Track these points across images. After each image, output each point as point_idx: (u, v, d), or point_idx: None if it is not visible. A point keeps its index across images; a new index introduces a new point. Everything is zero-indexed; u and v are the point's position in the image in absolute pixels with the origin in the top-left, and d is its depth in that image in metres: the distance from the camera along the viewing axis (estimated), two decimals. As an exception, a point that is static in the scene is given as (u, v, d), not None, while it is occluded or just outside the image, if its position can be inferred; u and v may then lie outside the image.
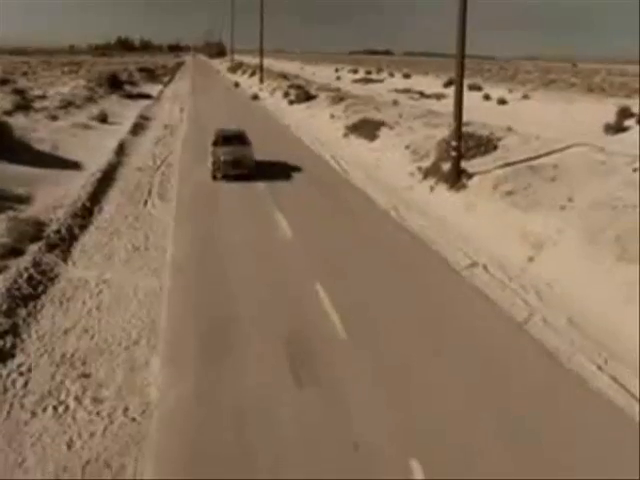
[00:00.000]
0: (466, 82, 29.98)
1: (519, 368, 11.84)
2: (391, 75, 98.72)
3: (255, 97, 66.74)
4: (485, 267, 17.00)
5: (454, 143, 23.98)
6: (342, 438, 9.59)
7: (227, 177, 26.70)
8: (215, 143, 27.91)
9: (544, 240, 17.78)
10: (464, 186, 23.45)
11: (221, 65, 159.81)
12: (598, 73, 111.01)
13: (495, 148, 26.80)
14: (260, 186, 25.99)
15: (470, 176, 23.89)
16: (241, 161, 26.95)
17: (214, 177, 26.93)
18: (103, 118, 42.37)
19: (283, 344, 12.48)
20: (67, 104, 46.29)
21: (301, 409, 10.34)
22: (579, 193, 19.55)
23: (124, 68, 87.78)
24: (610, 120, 41.75)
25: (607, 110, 44.42)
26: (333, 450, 9.31)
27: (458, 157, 24.04)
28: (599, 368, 11.83)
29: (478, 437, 9.64)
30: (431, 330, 13.38)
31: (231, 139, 28.22)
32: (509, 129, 31.39)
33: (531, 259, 17.26)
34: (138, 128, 41.93)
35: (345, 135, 37.42)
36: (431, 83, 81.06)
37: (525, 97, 62.16)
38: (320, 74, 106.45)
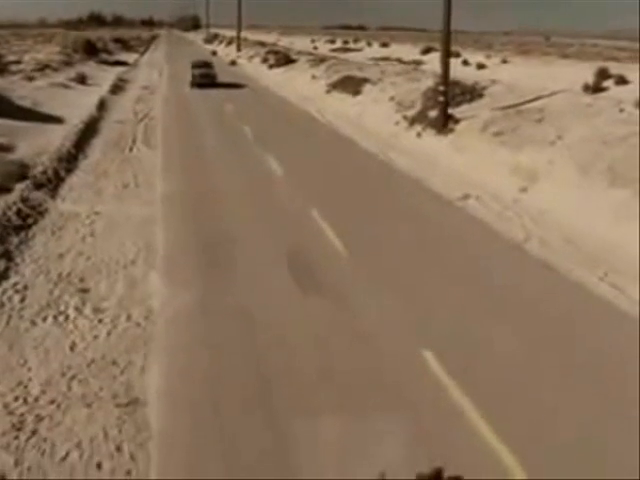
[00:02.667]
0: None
1: (519, 278, 11.89)
2: (369, 44, 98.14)
3: (233, 63, 66.09)
4: (478, 198, 16.97)
5: (442, 88, 23.88)
6: (352, 334, 9.57)
7: (199, 85, 41.95)
8: (193, 67, 44.53)
9: (536, 172, 17.79)
10: (452, 130, 23.39)
11: (196, 37, 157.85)
12: (571, 46, 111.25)
13: (481, 96, 26.79)
14: (248, 135, 25.86)
15: (457, 121, 23.82)
16: (208, 75, 43.77)
17: (192, 86, 42.24)
18: (81, 79, 41.65)
19: (285, 260, 12.44)
20: (44, 67, 45.40)
21: (307, 312, 10.28)
22: (568, 131, 19.56)
23: (98, 37, 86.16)
24: (588, 81, 41.87)
25: (585, 73, 44.55)
26: (344, 344, 9.28)
27: (445, 102, 23.94)
28: (600, 279, 11.87)
29: (484, 333, 9.64)
30: (429, 248, 13.39)
31: (202, 65, 45.70)
32: (493, 81, 31.40)
33: (524, 190, 17.28)
34: (117, 89, 41.33)
35: (328, 92, 37.15)
36: (409, 51, 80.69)
37: (504, 62, 62.24)
38: (297, 44, 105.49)
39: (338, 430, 7.30)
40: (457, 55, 66.57)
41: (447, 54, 23.83)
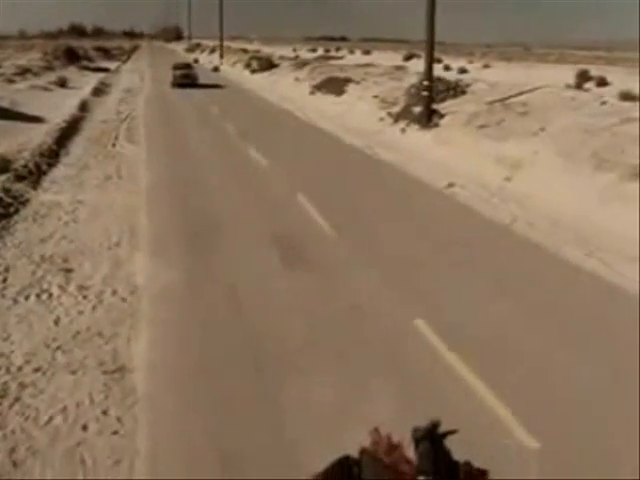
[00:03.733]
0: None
1: (509, 256, 11.86)
2: (351, 52, 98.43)
3: (216, 69, 66.06)
4: (464, 186, 16.94)
5: (426, 82, 23.91)
6: (342, 304, 9.49)
7: (180, 85, 44.12)
8: (174, 68, 47.31)
9: (520, 161, 17.83)
10: (436, 125, 23.42)
11: (178, 47, 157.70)
12: (552, 54, 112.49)
13: (464, 93, 26.86)
14: (233, 135, 25.76)
15: (442, 116, 23.87)
16: (188, 75, 46.21)
17: (172, 85, 44.57)
18: (62, 83, 41.49)
19: (272, 241, 12.33)
20: (24, 71, 45.21)
21: (295, 287, 10.17)
22: (551, 123, 19.66)
23: (79, 46, 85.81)
24: (570, 82, 42.13)
25: (566, 74, 44.84)
26: (333, 312, 9.20)
27: (430, 97, 23.96)
28: (587, 255, 11.85)
29: (475, 301, 9.57)
30: (416, 231, 13.34)
31: (183, 67, 48.96)
32: (476, 79, 31.54)
33: (509, 178, 17.29)
34: (99, 92, 41.14)
35: (312, 93, 37.19)
36: (391, 58, 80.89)
37: (485, 66, 62.67)
38: (279, 53, 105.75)
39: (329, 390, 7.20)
40: (439, 61, 66.98)
41: (431, 47, 23.86)
